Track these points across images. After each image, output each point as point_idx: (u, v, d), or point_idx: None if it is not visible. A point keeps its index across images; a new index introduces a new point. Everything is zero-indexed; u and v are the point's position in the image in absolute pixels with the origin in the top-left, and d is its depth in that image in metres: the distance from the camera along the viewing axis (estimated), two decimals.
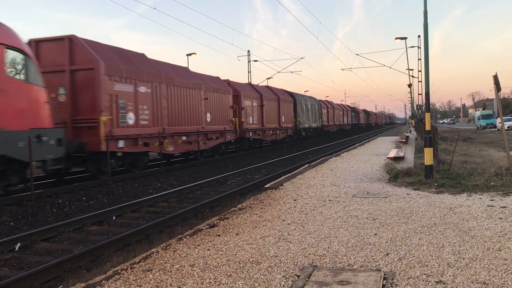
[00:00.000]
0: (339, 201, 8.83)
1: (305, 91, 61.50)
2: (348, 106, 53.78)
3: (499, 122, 40.73)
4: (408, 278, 4.45)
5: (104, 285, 4.50)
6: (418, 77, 39.13)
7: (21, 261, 6.32)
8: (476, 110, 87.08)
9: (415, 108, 44.17)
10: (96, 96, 13.65)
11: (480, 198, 8.60)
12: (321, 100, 46.52)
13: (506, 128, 11.96)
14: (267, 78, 49.09)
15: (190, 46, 74.42)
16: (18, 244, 6.83)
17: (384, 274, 4.56)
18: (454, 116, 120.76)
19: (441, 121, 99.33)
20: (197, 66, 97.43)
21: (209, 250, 5.68)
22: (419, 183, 10.54)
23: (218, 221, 7.36)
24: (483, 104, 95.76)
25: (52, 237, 7.52)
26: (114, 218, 8.92)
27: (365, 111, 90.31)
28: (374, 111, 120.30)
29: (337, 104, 40.99)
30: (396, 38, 37.44)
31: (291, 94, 36.05)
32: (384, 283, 4.32)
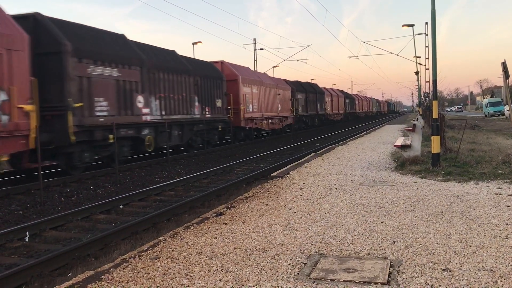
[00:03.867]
0: (346, 189, 8.83)
1: (311, 79, 61.13)
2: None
3: (507, 110, 40.48)
4: (415, 265, 4.45)
5: (112, 273, 4.54)
6: (425, 65, 38.88)
7: (30, 249, 6.39)
8: (484, 98, 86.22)
9: (422, 96, 43.88)
10: None
11: (488, 186, 8.56)
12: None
13: None
14: (273, 67, 49.04)
15: (195, 34, 74.13)
16: (28, 236, 6.91)
17: (391, 262, 4.57)
18: (461, 104, 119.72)
19: (448, 109, 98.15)
20: (202, 54, 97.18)
21: (216, 238, 5.72)
22: (426, 171, 10.50)
23: (224, 209, 7.39)
24: (491, 91, 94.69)
25: (60, 226, 7.60)
26: (121, 206, 8.98)
27: (327, 90, 48.11)
28: (354, 93, 75.54)
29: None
30: (403, 25, 37.11)
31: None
32: (390, 270, 4.33)
